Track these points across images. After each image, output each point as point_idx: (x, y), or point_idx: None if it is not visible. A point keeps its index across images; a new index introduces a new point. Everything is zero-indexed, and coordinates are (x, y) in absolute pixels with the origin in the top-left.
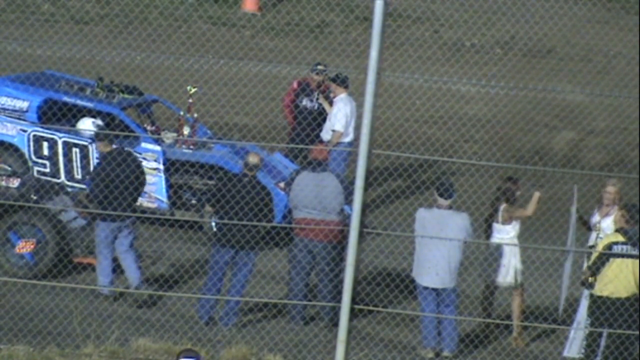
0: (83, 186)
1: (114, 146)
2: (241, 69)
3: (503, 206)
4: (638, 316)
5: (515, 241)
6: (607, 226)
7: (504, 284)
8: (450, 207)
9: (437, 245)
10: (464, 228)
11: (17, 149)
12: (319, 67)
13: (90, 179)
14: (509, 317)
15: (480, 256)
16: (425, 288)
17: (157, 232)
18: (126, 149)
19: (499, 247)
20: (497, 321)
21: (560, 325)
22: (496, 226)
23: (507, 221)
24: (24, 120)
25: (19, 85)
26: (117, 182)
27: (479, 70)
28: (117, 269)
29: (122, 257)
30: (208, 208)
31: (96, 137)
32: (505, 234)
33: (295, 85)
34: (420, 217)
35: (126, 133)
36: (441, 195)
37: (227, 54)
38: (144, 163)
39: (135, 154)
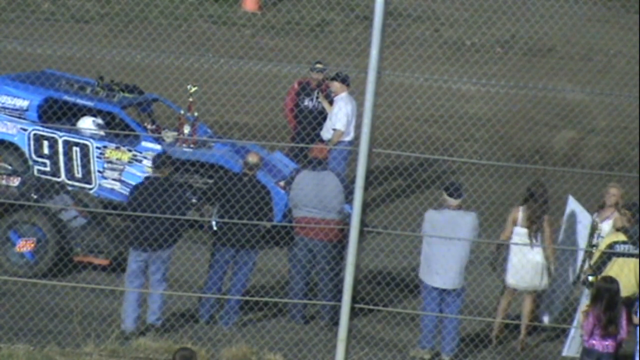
0: (84, 185)
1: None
2: (241, 67)
3: (526, 211)
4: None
5: (526, 240)
6: (607, 230)
7: (523, 286)
8: (459, 207)
9: (448, 246)
10: (475, 228)
11: (17, 148)
12: (318, 65)
13: (132, 199)
14: (509, 317)
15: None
16: (432, 288)
17: None
18: (178, 181)
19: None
20: (501, 321)
21: (560, 324)
22: (516, 229)
23: (530, 226)
24: (24, 119)
25: (19, 84)
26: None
27: (479, 69)
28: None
29: (153, 287)
30: (207, 207)
31: (154, 163)
32: (518, 237)
33: (295, 85)
34: (430, 218)
35: (127, 132)
36: (451, 195)
37: (228, 52)
38: (144, 162)
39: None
